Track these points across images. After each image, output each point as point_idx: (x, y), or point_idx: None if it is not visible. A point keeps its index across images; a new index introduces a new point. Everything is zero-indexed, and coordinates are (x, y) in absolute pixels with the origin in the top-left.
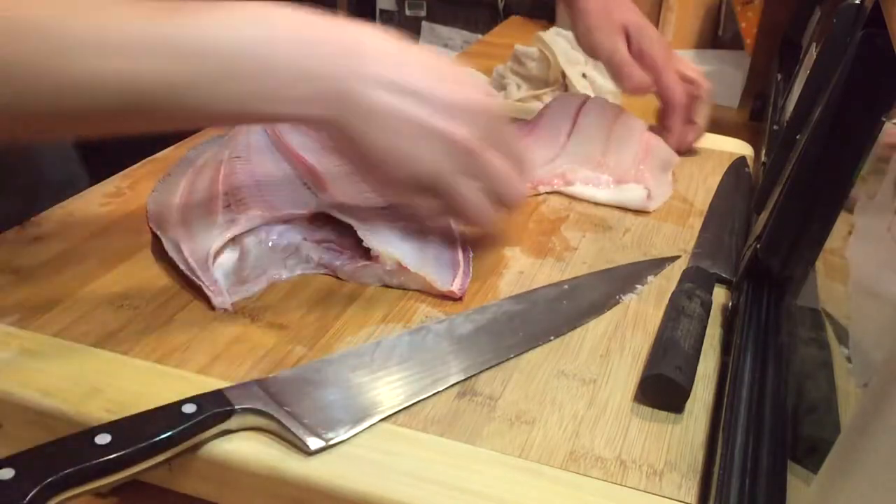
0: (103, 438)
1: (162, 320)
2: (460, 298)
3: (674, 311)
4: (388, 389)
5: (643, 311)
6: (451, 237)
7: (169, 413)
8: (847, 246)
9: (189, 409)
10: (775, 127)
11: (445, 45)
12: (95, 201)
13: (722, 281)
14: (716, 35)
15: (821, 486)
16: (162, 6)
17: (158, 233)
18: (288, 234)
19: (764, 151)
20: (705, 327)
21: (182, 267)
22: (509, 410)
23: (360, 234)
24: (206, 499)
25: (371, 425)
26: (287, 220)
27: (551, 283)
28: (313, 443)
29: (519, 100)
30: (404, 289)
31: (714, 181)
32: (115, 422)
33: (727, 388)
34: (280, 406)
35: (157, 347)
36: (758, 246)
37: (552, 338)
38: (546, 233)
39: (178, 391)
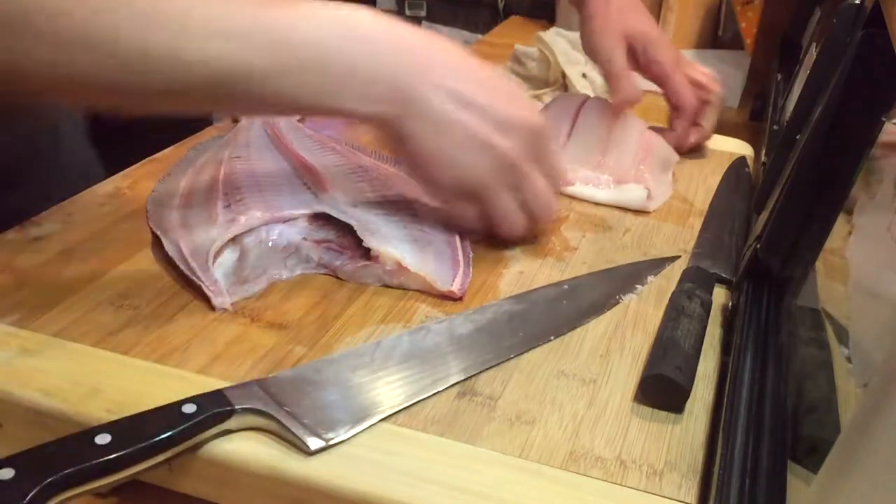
0: (103, 438)
1: (162, 320)
2: (460, 298)
3: (674, 311)
4: (388, 389)
5: (643, 311)
6: (451, 237)
7: (169, 413)
8: (847, 246)
9: (189, 409)
10: (775, 127)
11: None
12: (95, 201)
13: (722, 281)
14: (716, 35)
15: (821, 486)
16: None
17: (158, 233)
18: (288, 234)
19: (764, 151)
20: (705, 327)
21: (182, 267)
22: (509, 410)
23: (360, 234)
24: (206, 499)
25: (371, 425)
26: (287, 220)
27: (551, 283)
28: (313, 443)
29: None
30: (404, 289)
31: (714, 181)
32: (115, 422)
33: (727, 388)
34: (280, 406)
35: (157, 347)
36: (758, 246)
37: (552, 338)
38: (546, 233)
39: (178, 391)
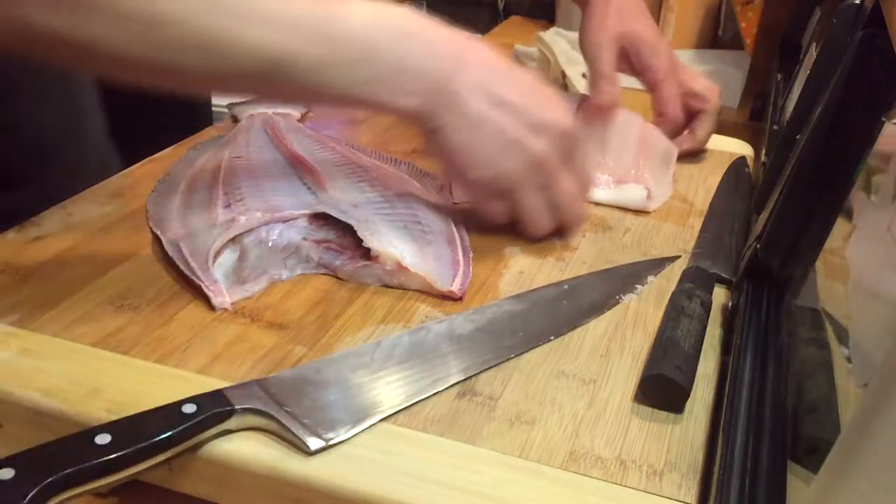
0: (103, 438)
1: (162, 320)
2: (460, 298)
3: (674, 311)
4: (388, 389)
5: (643, 311)
6: (451, 237)
7: (169, 413)
8: (847, 246)
9: (189, 409)
10: (775, 127)
11: None
12: (95, 201)
13: (722, 281)
14: (716, 35)
15: (821, 486)
16: None
17: (158, 233)
18: (288, 234)
19: (764, 151)
20: (705, 327)
21: (182, 267)
22: (509, 410)
23: (360, 234)
24: (206, 499)
25: (371, 425)
26: (287, 220)
27: (551, 283)
28: (313, 443)
29: None
30: (404, 289)
31: (714, 181)
32: (115, 422)
33: (727, 388)
34: (280, 406)
35: (157, 347)
36: (758, 246)
37: (552, 338)
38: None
39: (178, 391)
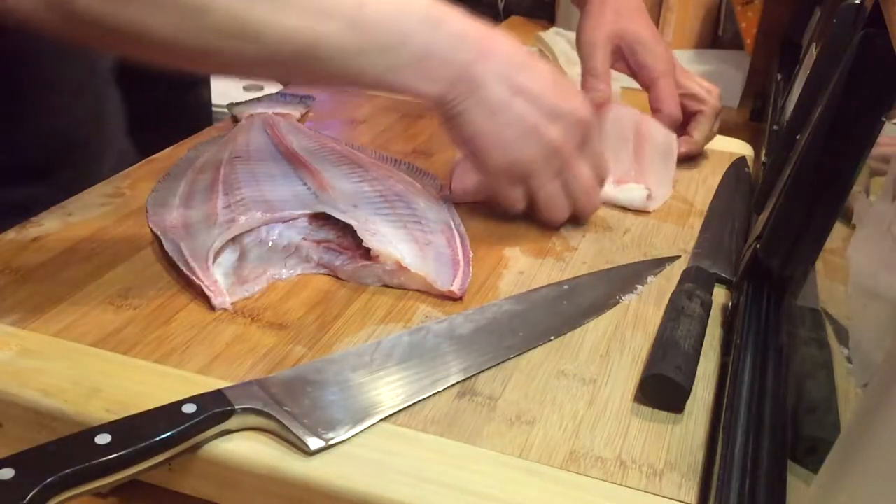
0: (103, 438)
1: (162, 320)
2: (460, 298)
3: (674, 311)
4: (388, 389)
5: (643, 311)
6: (451, 237)
7: (169, 413)
8: (847, 246)
9: (189, 409)
10: (775, 127)
11: None
12: (95, 201)
13: (722, 281)
14: (716, 35)
15: (821, 486)
16: None
17: (158, 233)
18: (288, 234)
19: (764, 151)
20: (705, 327)
21: (182, 267)
22: (509, 410)
23: (360, 234)
24: (206, 499)
25: (371, 425)
26: (287, 220)
27: (551, 283)
28: (313, 443)
29: None
30: (404, 289)
31: (714, 181)
32: (115, 422)
33: (727, 388)
34: (280, 406)
35: (157, 347)
36: (758, 246)
37: (552, 338)
38: (546, 233)
39: (178, 391)
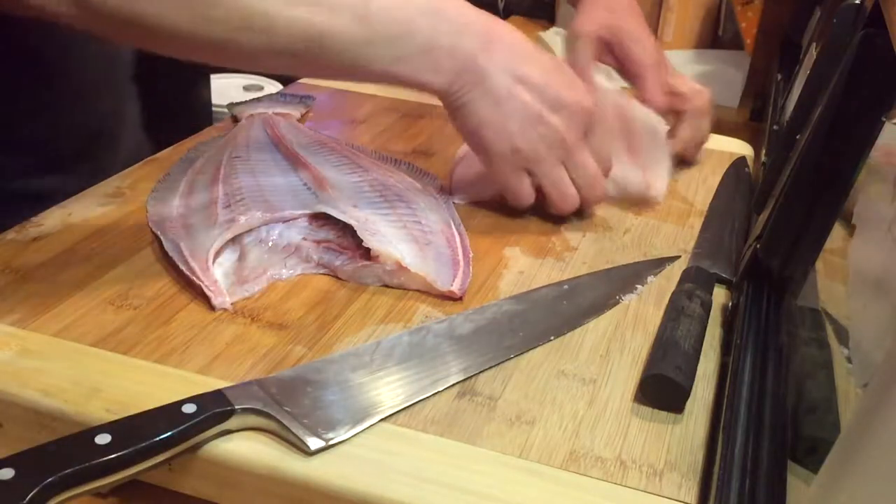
0: (103, 438)
1: (162, 320)
2: (460, 298)
3: (674, 311)
4: (388, 389)
5: (643, 311)
6: (451, 237)
7: (169, 413)
8: (847, 246)
9: (189, 409)
10: (775, 127)
11: None
12: (95, 201)
13: (722, 281)
14: (716, 35)
15: (821, 486)
16: None
17: (158, 233)
18: (288, 234)
19: (764, 151)
20: (705, 327)
21: (182, 267)
22: (509, 410)
23: (360, 234)
24: (206, 499)
25: (371, 425)
26: (287, 220)
27: (551, 283)
28: (313, 443)
29: None
30: (404, 289)
31: (714, 181)
32: (115, 422)
33: (727, 388)
34: (280, 406)
35: (157, 347)
36: (758, 246)
37: (552, 338)
38: (546, 233)
39: (178, 391)
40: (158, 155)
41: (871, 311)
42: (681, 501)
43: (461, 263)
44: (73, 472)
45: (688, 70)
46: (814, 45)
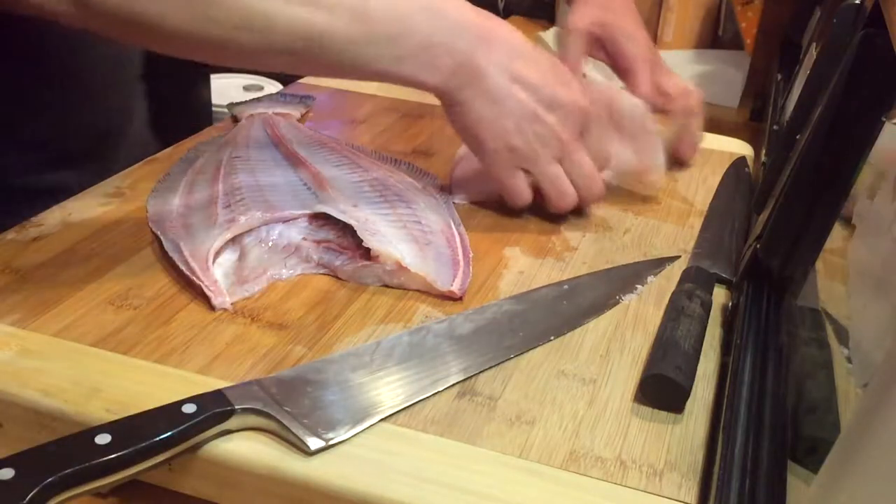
0: (103, 438)
1: (162, 320)
2: (460, 298)
3: (674, 311)
4: (388, 389)
5: (643, 311)
6: (451, 237)
7: (169, 413)
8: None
9: (189, 409)
10: (775, 127)
11: None
12: (95, 201)
13: (722, 281)
14: (716, 35)
15: (821, 486)
16: None
17: (158, 233)
18: (288, 234)
19: (764, 151)
20: (705, 327)
21: (182, 267)
22: (509, 410)
23: (360, 234)
24: (206, 499)
25: (371, 425)
26: (287, 220)
27: (551, 283)
28: (313, 443)
29: None
30: (404, 289)
31: (714, 181)
32: (115, 422)
33: (727, 388)
34: (280, 406)
35: (157, 347)
36: (758, 246)
37: (552, 338)
38: (546, 233)
39: (178, 391)
40: (158, 155)
41: (871, 311)
42: (681, 501)
43: (461, 263)
44: (73, 472)
45: (688, 70)
46: (814, 45)
